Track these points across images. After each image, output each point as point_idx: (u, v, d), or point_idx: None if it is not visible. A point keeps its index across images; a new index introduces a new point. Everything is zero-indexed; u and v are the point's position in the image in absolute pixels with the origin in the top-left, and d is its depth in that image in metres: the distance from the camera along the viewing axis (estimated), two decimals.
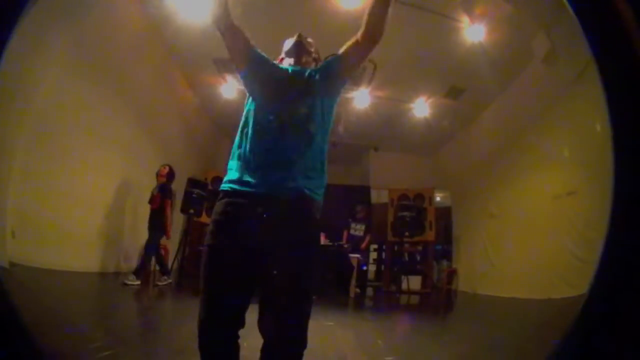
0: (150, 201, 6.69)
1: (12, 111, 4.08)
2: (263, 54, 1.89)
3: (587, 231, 4.67)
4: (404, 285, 8.86)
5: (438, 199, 10.25)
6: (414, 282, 9.05)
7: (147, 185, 6.84)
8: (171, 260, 8.09)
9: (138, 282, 6.01)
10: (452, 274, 9.16)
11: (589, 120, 4.62)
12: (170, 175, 6.91)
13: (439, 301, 8.63)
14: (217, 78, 7.85)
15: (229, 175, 1.70)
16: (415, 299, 8.59)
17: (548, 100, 6.00)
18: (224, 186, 1.69)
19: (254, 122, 1.74)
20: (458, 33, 6.05)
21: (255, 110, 1.77)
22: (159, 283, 6.57)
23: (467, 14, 5.73)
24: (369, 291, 9.33)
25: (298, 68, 1.90)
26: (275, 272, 1.55)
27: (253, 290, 1.62)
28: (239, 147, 1.74)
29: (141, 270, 6.21)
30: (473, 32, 5.96)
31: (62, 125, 5.15)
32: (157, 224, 6.63)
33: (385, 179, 10.60)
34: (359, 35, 1.75)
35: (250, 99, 1.84)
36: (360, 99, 8.13)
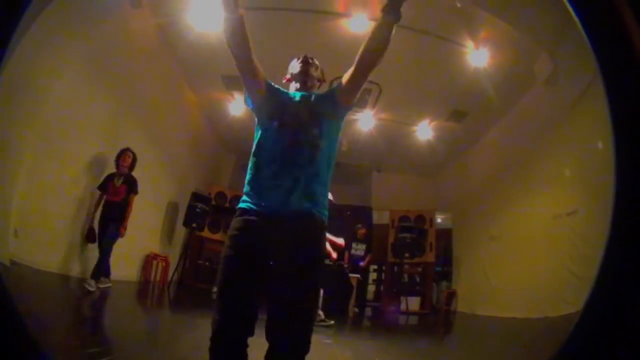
0: (112, 192, 5.89)
1: (21, 113, 4.14)
2: (274, 84, 2.03)
3: (586, 249, 4.69)
4: (403, 306, 8.84)
5: (439, 220, 10.26)
6: (413, 303, 9.02)
7: (150, 194, 6.85)
8: (171, 273, 8.11)
9: (109, 284, 5.75)
10: (451, 295, 9.13)
11: (590, 139, 4.69)
12: (134, 164, 6.14)
13: (437, 322, 8.59)
14: (225, 95, 7.97)
15: (245, 195, 1.87)
16: (414, 320, 8.56)
17: (549, 122, 6.08)
18: (241, 204, 1.85)
19: (264, 147, 1.89)
20: (462, 57, 6.17)
21: (265, 136, 1.91)
22: (100, 285, 5.58)
23: (472, 38, 5.86)
24: (368, 311, 9.30)
25: (305, 94, 2.02)
26: (282, 286, 1.71)
27: (261, 300, 1.75)
28: (252, 170, 1.89)
29: (102, 271, 5.61)
30: (477, 56, 6.08)
31: (69, 130, 5.24)
32: (117, 217, 5.80)
33: (387, 200, 10.64)
34: (355, 61, 1.87)
35: (260, 125, 1.97)
36: (364, 120, 8.26)
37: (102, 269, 5.57)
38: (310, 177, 1.83)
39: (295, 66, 2.12)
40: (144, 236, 7.39)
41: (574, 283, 4.76)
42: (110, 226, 5.75)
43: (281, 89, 2.04)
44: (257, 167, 1.88)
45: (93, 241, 5.74)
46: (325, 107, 1.95)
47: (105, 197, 5.88)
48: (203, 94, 8.26)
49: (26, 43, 3.35)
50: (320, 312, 5.64)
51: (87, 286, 5.22)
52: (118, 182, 5.94)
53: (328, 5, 5.77)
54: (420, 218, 9.61)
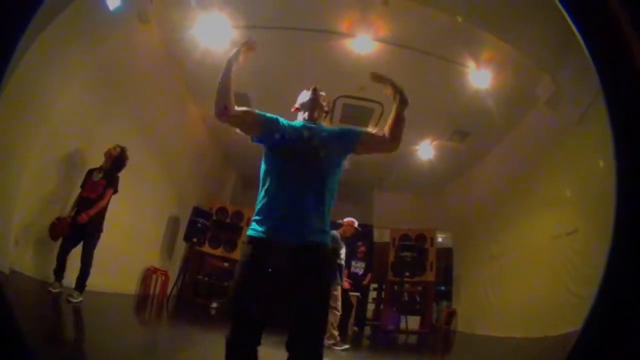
0: (89, 188, 5.27)
1: (26, 125, 4.20)
2: (271, 117, 2.13)
3: (586, 268, 4.69)
4: (403, 325, 8.77)
5: (440, 239, 10.24)
6: (413, 322, 8.96)
7: (151, 208, 6.83)
8: (170, 287, 8.09)
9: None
10: (451, 314, 9.07)
11: (590, 160, 4.73)
12: (121, 161, 5.50)
13: (437, 341, 8.52)
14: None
15: (254, 223, 1.98)
16: (413, 339, 8.50)
17: (551, 142, 6.14)
18: (250, 231, 1.97)
19: (275, 179, 2.00)
20: (464, 77, 6.26)
21: (275, 168, 2.03)
22: (73, 300, 4.89)
23: (474, 59, 5.94)
24: (367, 330, 9.24)
25: (313, 126, 2.14)
26: (302, 310, 1.89)
27: (267, 319, 1.92)
28: (264, 200, 2.00)
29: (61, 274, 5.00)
30: (479, 77, 6.16)
31: (74, 142, 5.31)
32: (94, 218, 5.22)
33: (388, 219, 10.63)
34: (388, 135, 2.10)
35: (269, 157, 2.08)
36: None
37: (86, 280, 5.05)
38: (320, 209, 1.97)
39: (305, 96, 2.24)
40: (144, 249, 7.39)
41: (574, 302, 4.75)
42: (87, 232, 5.14)
43: (280, 120, 2.13)
44: (268, 198, 1.98)
45: (55, 239, 5.01)
46: (339, 146, 2.10)
47: (82, 194, 5.25)
48: (207, 109, 8.31)
49: (34, 54, 3.44)
50: (336, 333, 5.60)
51: (70, 299, 4.82)
52: (97, 176, 5.34)
53: (332, 25, 5.86)
54: (421, 237, 9.58)
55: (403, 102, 2.12)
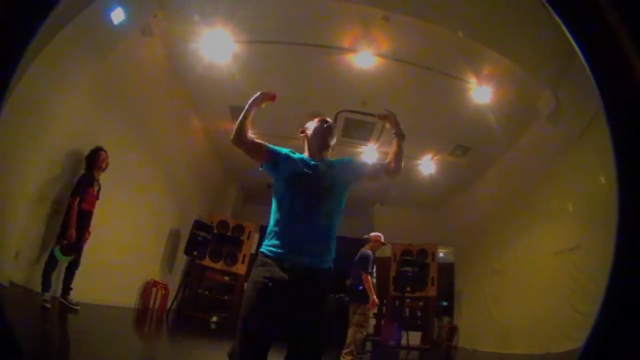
0: (90, 200, 5.23)
1: (29, 136, 4.21)
2: (280, 150, 2.31)
3: (589, 284, 4.66)
4: (404, 341, 8.70)
5: (441, 254, 10.19)
6: (414, 338, 8.88)
7: (152, 220, 6.80)
8: (170, 301, 8.05)
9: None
10: (453, 330, 8.99)
11: (592, 174, 4.73)
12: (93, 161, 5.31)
13: (438, 357, 8.44)
14: (231, 124, 8.02)
15: (270, 246, 2.11)
16: (414, 355, 8.42)
17: (552, 157, 6.14)
18: (264, 249, 2.12)
19: (288, 207, 2.15)
20: (465, 93, 6.28)
21: (287, 197, 2.17)
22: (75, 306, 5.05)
23: (475, 74, 5.97)
24: (368, 345, 9.14)
25: (319, 161, 2.29)
26: (304, 328, 2.04)
27: (273, 338, 2.03)
28: (277, 225, 2.14)
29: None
30: (480, 93, 6.18)
31: (76, 154, 5.30)
32: (86, 230, 5.20)
33: (389, 233, 10.56)
34: (391, 165, 2.36)
35: (280, 187, 2.22)
36: (368, 153, 8.32)
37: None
38: (329, 237, 2.17)
39: (319, 130, 2.38)
40: (144, 262, 7.37)
41: (576, 319, 4.72)
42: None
43: (289, 154, 2.29)
44: (281, 223, 2.13)
45: (72, 254, 5.03)
46: (346, 179, 2.28)
47: (81, 205, 5.08)
48: (209, 122, 8.35)
49: (38, 66, 3.47)
50: (355, 352, 5.44)
51: (73, 306, 4.94)
52: (95, 188, 5.30)
53: (334, 40, 5.91)
54: (423, 252, 9.54)
55: (400, 136, 2.41)
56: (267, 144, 2.30)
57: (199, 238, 8.40)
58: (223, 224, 9.54)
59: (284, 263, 2.03)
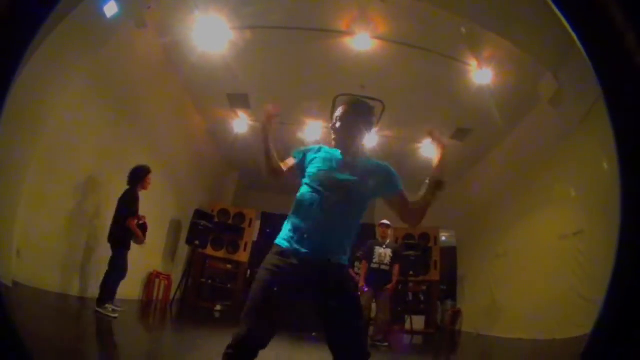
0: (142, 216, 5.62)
1: (26, 133, 4.17)
2: (305, 154, 2.23)
3: (593, 270, 4.64)
4: (407, 325, 8.73)
5: (443, 238, 10.19)
6: (418, 322, 8.91)
7: (153, 212, 6.78)
8: (173, 291, 8.06)
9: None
10: (456, 314, 9.02)
11: (595, 159, 4.67)
12: (141, 180, 5.63)
13: (442, 342, 8.47)
14: (229, 113, 8.00)
15: (284, 235, 2.06)
16: (418, 339, 8.44)
17: (555, 141, 6.08)
18: (279, 241, 2.05)
19: (309, 203, 2.06)
20: (466, 75, 6.18)
21: (310, 195, 2.08)
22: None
23: (475, 57, 5.88)
24: (371, 330, 9.17)
25: (349, 159, 2.18)
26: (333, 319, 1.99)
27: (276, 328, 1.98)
28: (296, 218, 2.07)
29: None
30: (481, 75, 6.08)
31: (73, 149, 5.26)
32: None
33: (391, 218, 10.57)
34: (414, 213, 2.16)
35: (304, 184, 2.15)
36: (368, 138, 8.24)
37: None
38: (348, 237, 2.07)
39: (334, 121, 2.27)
40: (147, 254, 7.35)
41: (582, 305, 4.70)
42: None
43: (315, 154, 2.22)
44: (301, 218, 2.05)
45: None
46: (373, 188, 2.13)
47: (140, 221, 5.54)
48: (207, 111, 8.30)
49: (31, 63, 3.40)
50: None
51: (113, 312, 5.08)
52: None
53: (331, 24, 5.81)
54: (425, 236, 9.53)
55: (439, 185, 2.10)
56: (295, 159, 2.23)
57: (200, 227, 8.38)
58: (224, 212, 9.52)
59: (297, 255, 1.98)
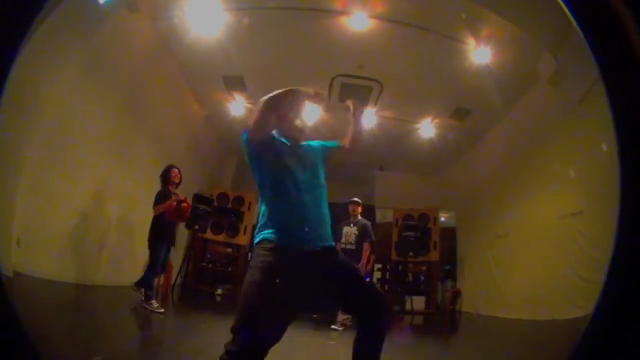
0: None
1: (22, 121, 4.13)
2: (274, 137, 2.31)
3: (593, 251, 4.65)
4: (408, 306, 8.79)
5: (443, 219, 10.21)
6: (418, 303, 8.97)
7: (152, 197, 6.79)
8: (174, 276, 8.08)
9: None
10: (456, 294, 9.08)
11: (595, 140, 4.63)
12: (167, 178, 6.07)
13: (442, 322, 8.55)
14: (225, 95, 7.92)
15: (266, 228, 2.11)
16: (418, 320, 8.52)
17: (554, 121, 6.04)
18: (265, 234, 2.08)
19: (278, 190, 2.15)
20: (464, 55, 6.11)
21: (276, 180, 2.17)
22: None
23: (474, 36, 5.81)
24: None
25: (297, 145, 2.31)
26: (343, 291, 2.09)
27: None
28: (272, 209, 2.16)
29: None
30: (479, 54, 6.02)
31: (70, 136, 5.22)
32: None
33: (390, 199, 10.57)
34: (346, 144, 2.44)
35: (266, 169, 2.20)
36: (366, 118, 8.19)
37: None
38: (321, 212, 2.18)
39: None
40: (146, 239, 7.35)
41: (582, 286, 4.72)
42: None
43: (280, 141, 2.32)
44: (276, 207, 2.15)
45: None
46: (319, 158, 2.33)
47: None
48: (203, 95, 8.22)
49: (25, 51, 3.34)
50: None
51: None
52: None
53: (327, 3, 5.72)
54: (424, 216, 9.54)
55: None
56: None
57: (200, 211, 8.37)
58: (223, 196, 9.51)
59: (287, 246, 2.05)
